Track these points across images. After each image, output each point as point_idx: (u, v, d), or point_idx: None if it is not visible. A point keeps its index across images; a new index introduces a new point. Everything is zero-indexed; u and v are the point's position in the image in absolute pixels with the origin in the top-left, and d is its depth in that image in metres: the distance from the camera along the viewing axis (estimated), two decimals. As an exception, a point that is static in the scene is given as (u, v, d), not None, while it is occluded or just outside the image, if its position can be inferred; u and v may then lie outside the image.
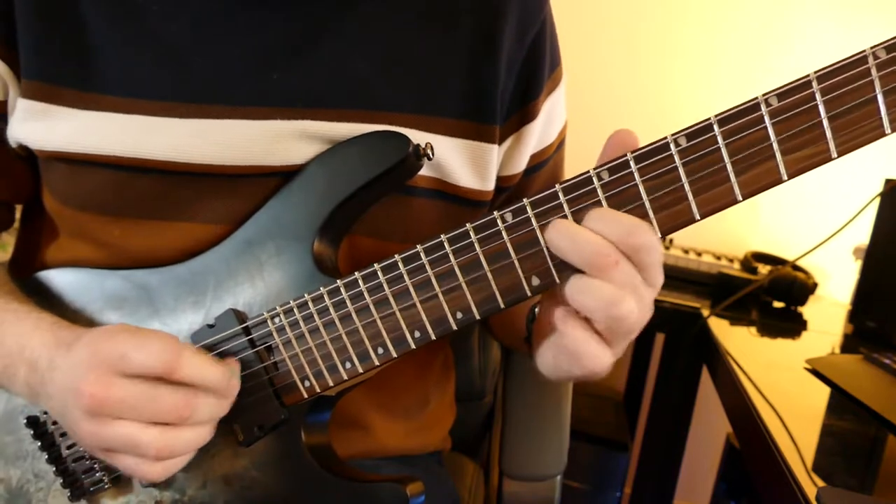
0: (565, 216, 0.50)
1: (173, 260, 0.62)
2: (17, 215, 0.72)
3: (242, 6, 0.61)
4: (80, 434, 0.53)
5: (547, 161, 0.76)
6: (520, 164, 0.72)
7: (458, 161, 0.66)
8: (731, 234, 1.78)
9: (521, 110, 0.70)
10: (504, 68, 0.67)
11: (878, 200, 1.31)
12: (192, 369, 0.51)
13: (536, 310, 0.62)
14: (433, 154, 0.60)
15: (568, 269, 0.49)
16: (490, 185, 0.69)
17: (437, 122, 0.64)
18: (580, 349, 0.50)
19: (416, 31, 0.65)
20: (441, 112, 0.65)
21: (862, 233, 1.38)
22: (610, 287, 0.47)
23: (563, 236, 0.48)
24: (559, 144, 0.78)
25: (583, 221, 0.48)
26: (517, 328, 0.71)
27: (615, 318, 0.47)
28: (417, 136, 0.63)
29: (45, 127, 0.59)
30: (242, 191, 0.61)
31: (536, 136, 0.72)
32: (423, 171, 0.65)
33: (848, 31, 1.64)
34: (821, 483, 0.66)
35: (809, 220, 1.68)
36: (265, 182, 0.61)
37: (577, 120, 1.01)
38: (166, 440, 0.51)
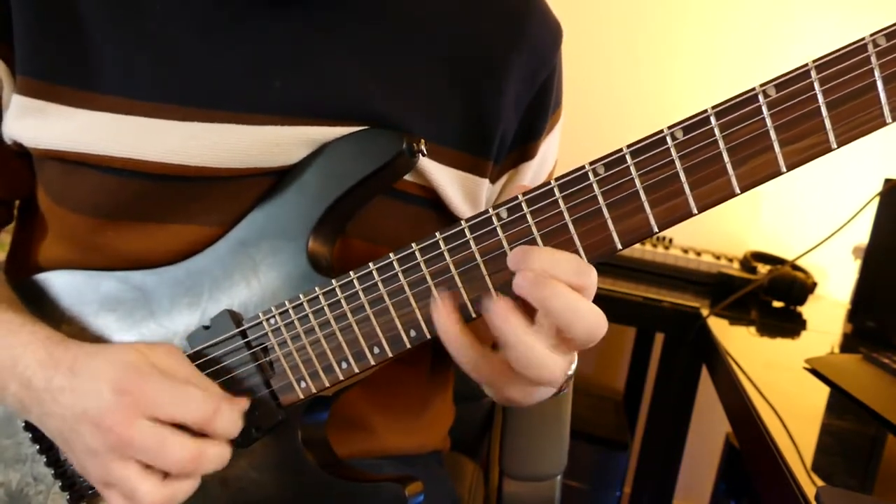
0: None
1: (169, 262, 0.61)
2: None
3: (247, 12, 0.60)
4: (87, 462, 0.53)
5: None
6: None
7: (452, 190, 0.66)
8: (731, 233, 1.78)
9: (521, 149, 0.70)
10: (510, 108, 0.66)
11: (877, 200, 1.31)
12: (227, 425, 0.53)
13: None
14: (426, 151, 0.60)
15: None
16: None
17: (435, 149, 0.64)
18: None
19: (423, 57, 0.64)
20: (439, 140, 0.64)
21: (861, 232, 1.38)
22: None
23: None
24: None
25: (527, 261, 0.48)
26: None
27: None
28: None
29: (39, 124, 0.59)
30: (240, 193, 0.61)
31: (531, 174, 0.72)
32: (420, 181, 0.65)
33: (848, 31, 1.64)
34: (820, 483, 0.66)
35: (809, 220, 1.68)
36: (262, 182, 0.61)
37: (578, 119, 1.01)
38: (163, 493, 0.51)
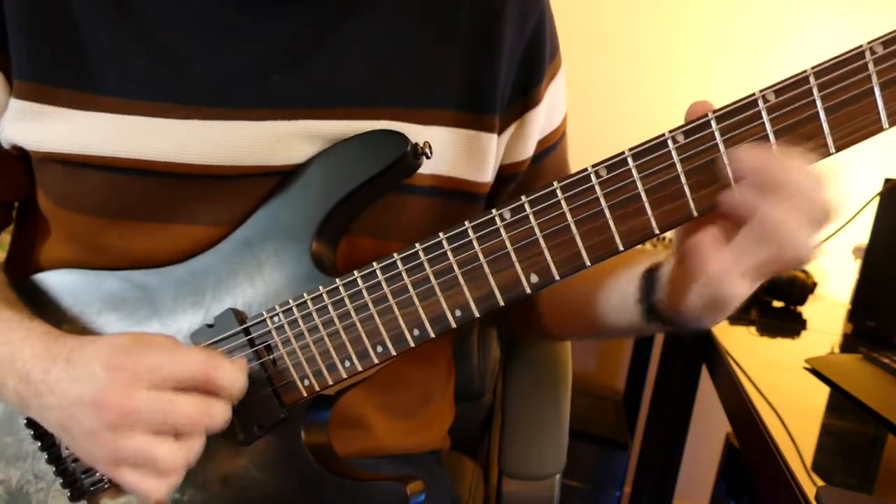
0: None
1: (173, 262, 0.61)
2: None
3: (242, 9, 0.61)
4: (90, 447, 0.53)
5: (555, 146, 0.76)
6: (527, 150, 0.72)
7: (454, 151, 0.66)
8: (731, 233, 1.78)
9: (524, 97, 0.70)
10: (505, 59, 0.67)
11: (877, 200, 1.31)
12: (228, 377, 0.53)
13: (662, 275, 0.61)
14: (431, 153, 0.60)
15: None
16: (487, 177, 0.69)
17: (436, 113, 0.65)
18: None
19: (416, 27, 0.65)
20: (440, 104, 0.65)
21: (861, 232, 1.38)
22: None
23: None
24: (563, 133, 0.78)
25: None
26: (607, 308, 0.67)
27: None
28: (416, 130, 0.63)
29: (39, 128, 0.59)
30: (243, 191, 0.61)
31: (541, 121, 0.72)
32: (421, 169, 0.65)
33: (849, 33, 1.64)
34: (820, 483, 0.66)
35: (809, 220, 1.68)
36: (265, 182, 0.61)
37: (578, 120, 1.01)
38: (180, 453, 0.51)
